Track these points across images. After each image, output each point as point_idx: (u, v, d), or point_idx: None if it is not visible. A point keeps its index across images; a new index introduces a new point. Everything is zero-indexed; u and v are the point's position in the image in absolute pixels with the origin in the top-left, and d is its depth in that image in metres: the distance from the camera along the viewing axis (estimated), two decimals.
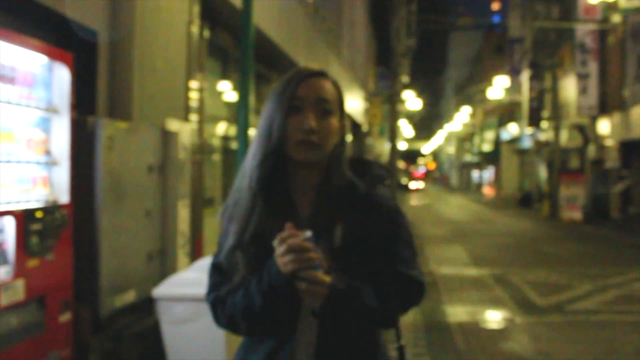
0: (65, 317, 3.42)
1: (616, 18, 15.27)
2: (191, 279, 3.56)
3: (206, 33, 7.29)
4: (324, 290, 1.44)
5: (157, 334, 3.66)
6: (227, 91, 9.15)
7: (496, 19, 79.58)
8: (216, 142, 8.78)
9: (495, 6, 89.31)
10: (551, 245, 13.52)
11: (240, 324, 1.56)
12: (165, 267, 4.58)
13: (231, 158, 9.08)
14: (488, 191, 44.88)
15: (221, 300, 1.58)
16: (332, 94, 1.62)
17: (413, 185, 52.94)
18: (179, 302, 3.44)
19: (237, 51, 8.93)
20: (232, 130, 9.30)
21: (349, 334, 1.54)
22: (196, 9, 6.18)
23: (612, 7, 14.55)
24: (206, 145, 7.65)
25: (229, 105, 9.37)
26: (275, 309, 1.49)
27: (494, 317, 6.72)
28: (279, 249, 1.44)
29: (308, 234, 1.43)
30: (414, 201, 36.36)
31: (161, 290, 3.52)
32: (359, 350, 1.57)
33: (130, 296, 4.04)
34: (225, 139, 9.15)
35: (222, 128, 9.01)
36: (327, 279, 1.45)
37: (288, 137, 1.56)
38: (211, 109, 8.06)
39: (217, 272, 1.62)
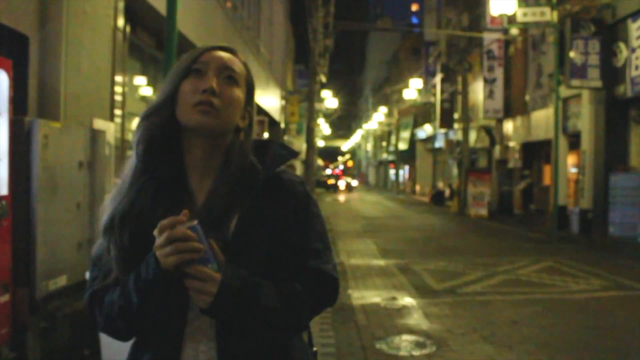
0: (4, 298, 3.79)
1: (514, 31, 16.44)
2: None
3: (128, 34, 7.63)
4: (213, 288, 1.23)
5: (86, 315, 4.07)
6: (147, 88, 9.48)
7: (414, 20, 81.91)
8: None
9: (414, 7, 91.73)
10: (455, 239, 14.54)
11: (119, 326, 1.34)
12: None
13: None
14: (408, 188, 46.33)
15: (98, 298, 1.37)
16: (240, 68, 1.44)
17: (341, 183, 51.67)
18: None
19: (154, 50, 9.31)
20: None
21: (251, 337, 1.33)
22: (121, 14, 6.54)
23: (512, 21, 15.68)
24: (126, 142, 7.98)
25: (148, 101, 9.69)
26: (153, 308, 1.29)
27: (393, 299, 7.42)
28: (159, 239, 1.23)
29: (194, 222, 1.23)
30: (329, 198, 37.20)
31: None
32: (267, 354, 1.36)
33: (62, 281, 4.41)
34: None
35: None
36: (217, 275, 1.23)
37: (183, 102, 1.36)
38: (131, 106, 8.39)
39: (96, 265, 1.40)
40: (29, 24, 5.02)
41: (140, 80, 9.09)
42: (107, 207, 1.40)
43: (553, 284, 8.49)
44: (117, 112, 6.54)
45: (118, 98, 6.56)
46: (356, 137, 79.60)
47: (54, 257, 4.30)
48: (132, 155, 1.42)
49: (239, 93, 1.41)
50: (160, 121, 1.37)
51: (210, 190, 1.38)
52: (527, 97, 20.98)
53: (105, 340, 4.00)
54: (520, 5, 15.15)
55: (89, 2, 5.96)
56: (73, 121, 5.24)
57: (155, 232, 1.24)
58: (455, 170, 29.90)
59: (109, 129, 5.72)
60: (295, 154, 1.50)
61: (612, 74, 14.03)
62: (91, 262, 1.42)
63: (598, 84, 14.19)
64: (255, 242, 1.35)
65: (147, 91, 9.49)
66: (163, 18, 7.98)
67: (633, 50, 13.21)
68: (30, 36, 5.00)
